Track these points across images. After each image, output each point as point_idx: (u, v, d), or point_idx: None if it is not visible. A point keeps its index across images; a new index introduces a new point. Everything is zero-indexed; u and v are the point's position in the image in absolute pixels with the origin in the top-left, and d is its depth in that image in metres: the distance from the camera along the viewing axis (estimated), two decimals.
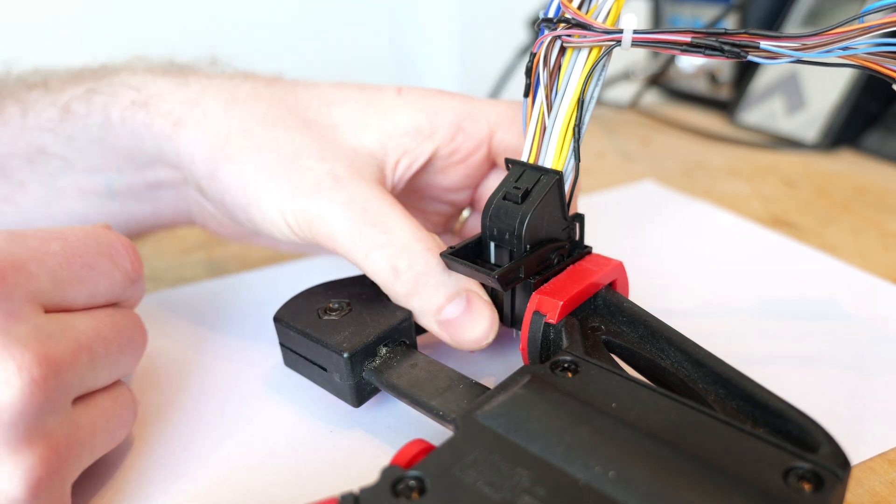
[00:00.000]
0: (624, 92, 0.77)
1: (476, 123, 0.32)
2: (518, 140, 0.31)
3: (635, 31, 0.24)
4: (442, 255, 0.27)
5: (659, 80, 0.74)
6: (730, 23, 0.69)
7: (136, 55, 0.35)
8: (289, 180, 0.29)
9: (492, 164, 0.34)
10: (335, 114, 0.31)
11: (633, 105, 0.74)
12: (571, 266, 0.28)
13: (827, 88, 0.60)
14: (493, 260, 0.28)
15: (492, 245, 0.28)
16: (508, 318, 0.29)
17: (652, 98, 0.80)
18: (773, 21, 0.68)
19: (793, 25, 0.65)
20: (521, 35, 0.81)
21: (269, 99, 0.32)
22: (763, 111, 0.64)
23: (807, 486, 0.18)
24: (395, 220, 0.28)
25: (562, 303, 0.26)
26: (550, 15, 0.26)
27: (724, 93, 0.71)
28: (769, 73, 0.65)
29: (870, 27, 0.21)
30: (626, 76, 0.74)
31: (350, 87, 0.33)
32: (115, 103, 0.32)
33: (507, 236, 0.27)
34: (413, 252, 0.27)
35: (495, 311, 0.28)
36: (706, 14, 0.71)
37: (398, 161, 0.31)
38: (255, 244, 0.38)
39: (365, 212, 0.28)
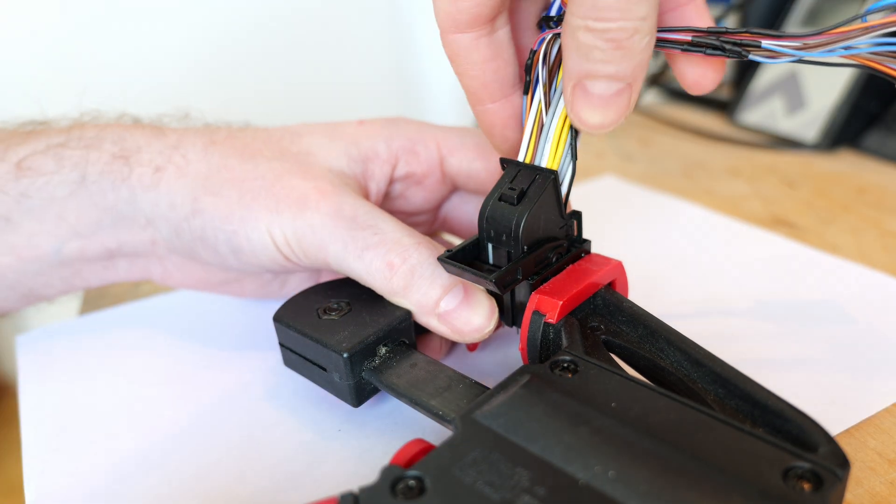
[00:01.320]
0: None
1: (427, 148, 0.33)
2: (467, 164, 0.34)
3: None
4: (439, 258, 0.27)
5: (659, 80, 0.74)
6: (730, 22, 0.69)
7: (88, 110, 0.34)
8: (276, 199, 0.30)
9: (450, 188, 0.35)
10: (305, 142, 0.33)
11: None
12: (571, 266, 0.28)
13: (827, 88, 0.60)
14: (491, 261, 0.28)
15: (489, 246, 0.28)
16: (509, 317, 0.29)
17: (652, 98, 0.80)
18: (773, 21, 0.68)
19: (793, 25, 0.65)
20: None
21: (244, 138, 0.33)
22: (763, 111, 0.64)
23: (806, 486, 0.18)
24: (384, 222, 0.29)
25: (561, 302, 0.26)
26: (552, 13, 0.27)
27: (723, 93, 0.71)
28: (769, 73, 0.65)
29: (872, 27, 0.21)
30: None
31: (314, 123, 0.34)
32: (94, 158, 0.31)
33: (503, 238, 0.27)
34: (405, 246, 0.28)
35: (492, 298, 0.28)
36: None
37: (368, 184, 0.33)
38: (220, 293, 0.36)
39: (354, 219, 0.29)
